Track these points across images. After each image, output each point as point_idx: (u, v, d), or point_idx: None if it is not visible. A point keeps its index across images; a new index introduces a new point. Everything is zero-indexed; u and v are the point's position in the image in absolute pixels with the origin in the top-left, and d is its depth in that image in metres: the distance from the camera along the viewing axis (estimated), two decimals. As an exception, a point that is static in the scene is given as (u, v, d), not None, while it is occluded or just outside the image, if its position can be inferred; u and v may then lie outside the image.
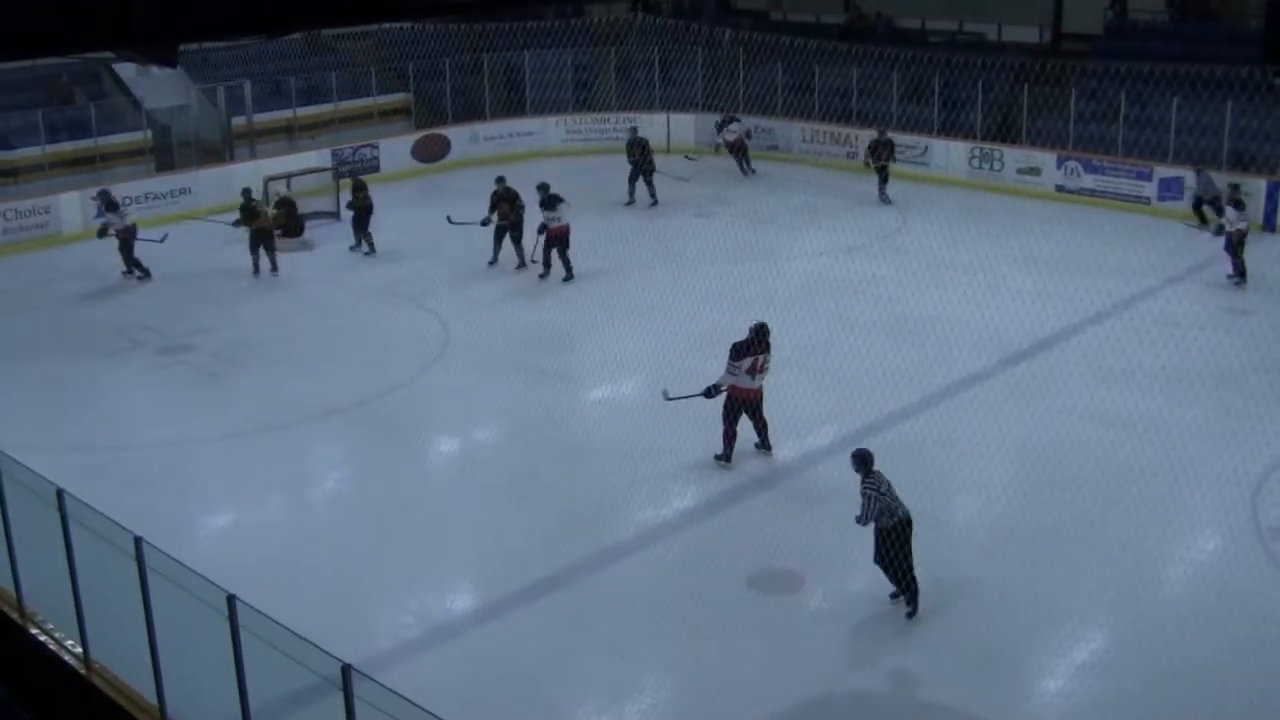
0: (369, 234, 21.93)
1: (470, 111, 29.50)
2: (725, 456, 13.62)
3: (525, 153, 28.97)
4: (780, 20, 33.92)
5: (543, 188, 19.87)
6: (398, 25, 28.87)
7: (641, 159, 24.62)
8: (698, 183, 25.39)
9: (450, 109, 29.37)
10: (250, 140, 27.54)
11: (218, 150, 27.50)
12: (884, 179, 24.49)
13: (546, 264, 20.00)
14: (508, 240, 20.49)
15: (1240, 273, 19.00)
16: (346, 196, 22.53)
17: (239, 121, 27.56)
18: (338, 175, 25.05)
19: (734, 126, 26.86)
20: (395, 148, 28.07)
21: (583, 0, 31.17)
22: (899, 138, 26.68)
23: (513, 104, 30.12)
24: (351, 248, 22.07)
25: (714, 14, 34.30)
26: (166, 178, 25.38)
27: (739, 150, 26.68)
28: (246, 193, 21.40)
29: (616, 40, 30.64)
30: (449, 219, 21.03)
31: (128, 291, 20.48)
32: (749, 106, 28.94)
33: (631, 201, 24.67)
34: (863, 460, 11.00)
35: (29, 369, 17.09)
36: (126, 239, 20.79)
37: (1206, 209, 21.72)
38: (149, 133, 26.25)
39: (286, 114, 27.98)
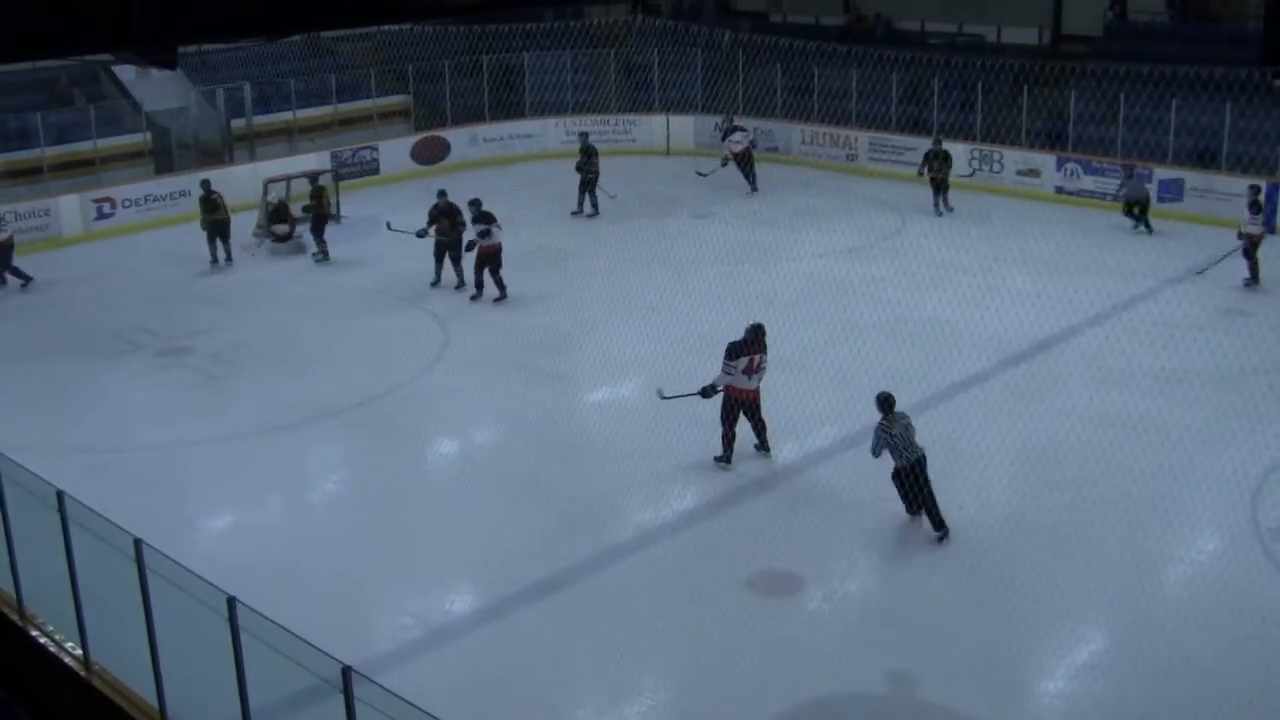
0: (324, 242, 21.78)
1: (470, 113, 29.51)
2: (725, 458, 13.62)
3: (525, 154, 29.00)
4: (779, 22, 33.95)
5: (474, 204, 19.13)
6: (397, 27, 28.90)
7: (587, 167, 24.08)
8: (697, 184, 25.35)
9: (450, 111, 29.38)
10: (250, 142, 27.56)
11: (217, 152, 27.51)
12: (941, 190, 23.65)
13: (478, 284, 19.19)
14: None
15: (1253, 275, 18.99)
16: (332, 200, 22.36)
17: (238, 124, 27.58)
18: (337, 177, 25.05)
19: (738, 136, 25.81)
20: (395, 150, 28.08)
21: (582, 2, 31.20)
22: (897, 140, 26.75)
23: (511, 105, 30.09)
24: (313, 254, 21.89)
25: (713, 16, 34.30)
26: (166, 180, 25.37)
27: (745, 161, 25.75)
28: (205, 184, 21.65)
29: (616, 42, 30.65)
30: (388, 225, 20.67)
31: (126, 294, 20.47)
32: (748, 108, 28.94)
33: (579, 211, 24.22)
34: (882, 402, 12.29)
35: (28, 370, 17.10)
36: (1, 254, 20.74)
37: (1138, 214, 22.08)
38: (148, 135, 26.25)
39: (286, 116, 27.98)
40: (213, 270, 21.44)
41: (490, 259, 19.01)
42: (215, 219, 21.34)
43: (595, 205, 24.22)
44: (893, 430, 12.09)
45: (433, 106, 29.63)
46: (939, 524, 12.04)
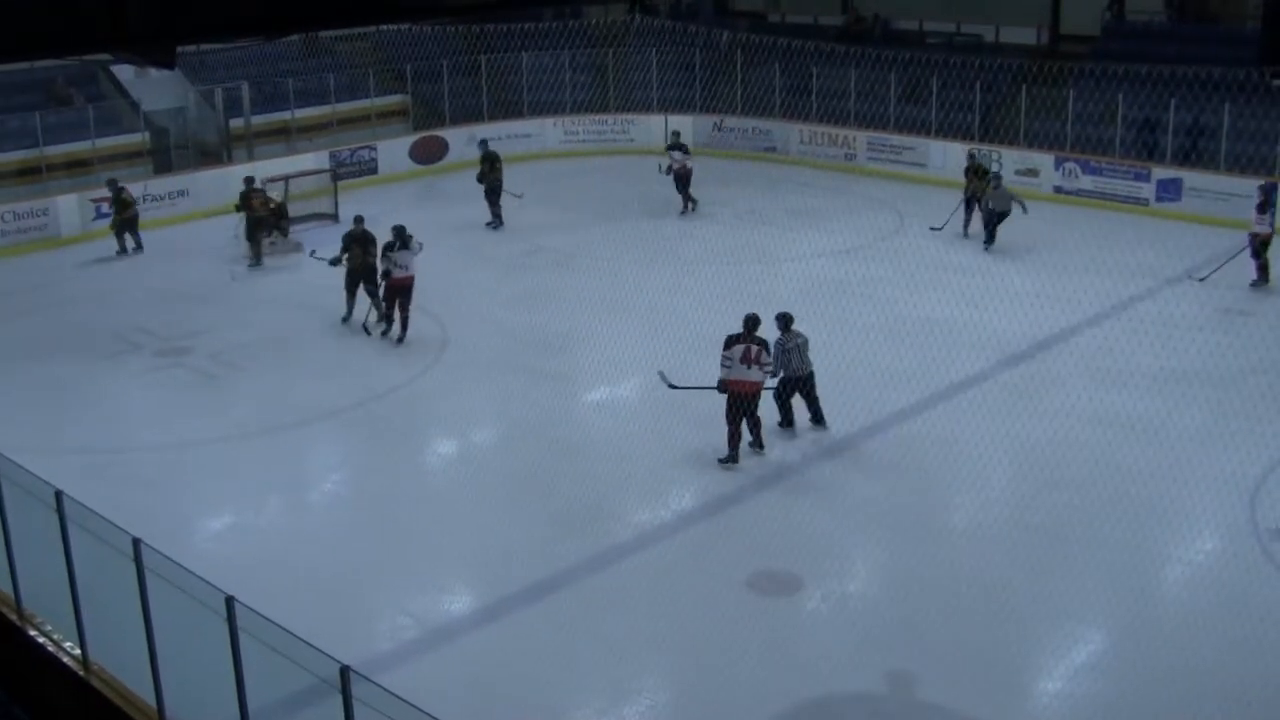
0: (259, 244, 21.62)
1: (468, 113, 29.50)
2: (731, 458, 13.59)
3: (523, 154, 28.95)
4: (778, 22, 33.97)
5: (396, 230, 17.59)
6: (395, 27, 28.89)
7: (490, 175, 23.41)
8: (694, 184, 25.29)
9: (448, 110, 29.36)
10: (248, 142, 27.53)
11: (215, 152, 27.49)
12: (980, 207, 21.89)
13: (389, 317, 17.76)
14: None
15: (1262, 275, 18.93)
16: (265, 202, 22.03)
17: (237, 123, 27.53)
18: (336, 177, 25.05)
19: (677, 154, 24.20)
20: (393, 149, 28.07)
21: (581, 2, 31.20)
22: (896, 140, 26.70)
23: (510, 105, 30.04)
24: (249, 261, 21.57)
25: (711, 16, 34.33)
26: (164, 180, 25.35)
27: (682, 181, 24.08)
28: (112, 183, 22.35)
29: (614, 42, 30.64)
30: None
31: (125, 294, 20.47)
32: (747, 108, 28.97)
33: (492, 222, 23.51)
34: (783, 320, 13.98)
35: (28, 371, 17.08)
36: None
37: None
38: (146, 135, 26.24)
39: (284, 116, 27.97)
40: (118, 258, 22.32)
41: (401, 291, 17.52)
42: (126, 217, 22.37)
43: (499, 217, 23.46)
44: (787, 345, 13.76)
45: (431, 106, 29.62)
46: (820, 419, 14.27)
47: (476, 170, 23.86)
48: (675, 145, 24.51)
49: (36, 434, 14.54)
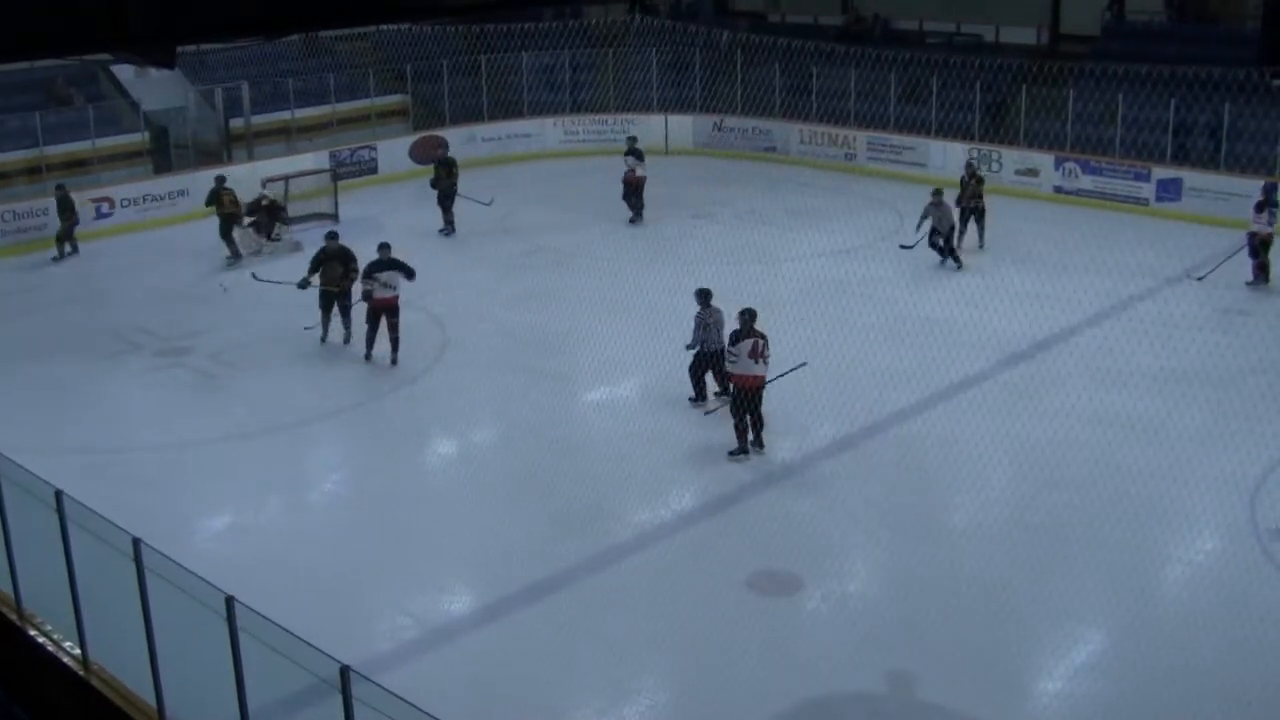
0: (234, 242, 21.63)
1: (468, 113, 29.49)
2: (742, 449, 13.68)
3: (523, 154, 29.00)
4: (778, 22, 33.98)
5: (381, 248, 16.77)
6: (395, 27, 28.88)
7: (448, 181, 22.87)
8: (694, 184, 25.34)
9: (448, 110, 29.36)
10: (248, 142, 27.53)
11: (215, 152, 27.47)
12: (976, 219, 21.10)
13: (370, 339, 16.83)
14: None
15: (1262, 274, 18.89)
16: (243, 200, 22.13)
17: (237, 123, 27.54)
18: (336, 177, 25.05)
19: (629, 160, 23.40)
20: (393, 149, 28.06)
21: (580, 2, 31.19)
22: (896, 139, 26.70)
23: (509, 105, 30.02)
24: (228, 259, 21.54)
25: (711, 15, 34.33)
26: (164, 180, 25.35)
27: (631, 189, 23.38)
28: (60, 188, 22.44)
29: (614, 42, 30.64)
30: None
31: (125, 294, 20.47)
32: (747, 108, 28.97)
33: (445, 228, 22.95)
34: (702, 295, 14.60)
35: (27, 371, 17.08)
36: None
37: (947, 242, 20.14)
38: (146, 135, 26.22)
39: (284, 116, 27.96)
40: (54, 264, 22.12)
41: (387, 311, 16.65)
42: (71, 222, 22.37)
43: (451, 224, 22.92)
44: (709, 320, 14.32)
45: (431, 106, 29.61)
46: (726, 390, 14.37)
47: (462, 173, 23.41)
48: (630, 151, 23.60)
49: (36, 434, 14.53)
